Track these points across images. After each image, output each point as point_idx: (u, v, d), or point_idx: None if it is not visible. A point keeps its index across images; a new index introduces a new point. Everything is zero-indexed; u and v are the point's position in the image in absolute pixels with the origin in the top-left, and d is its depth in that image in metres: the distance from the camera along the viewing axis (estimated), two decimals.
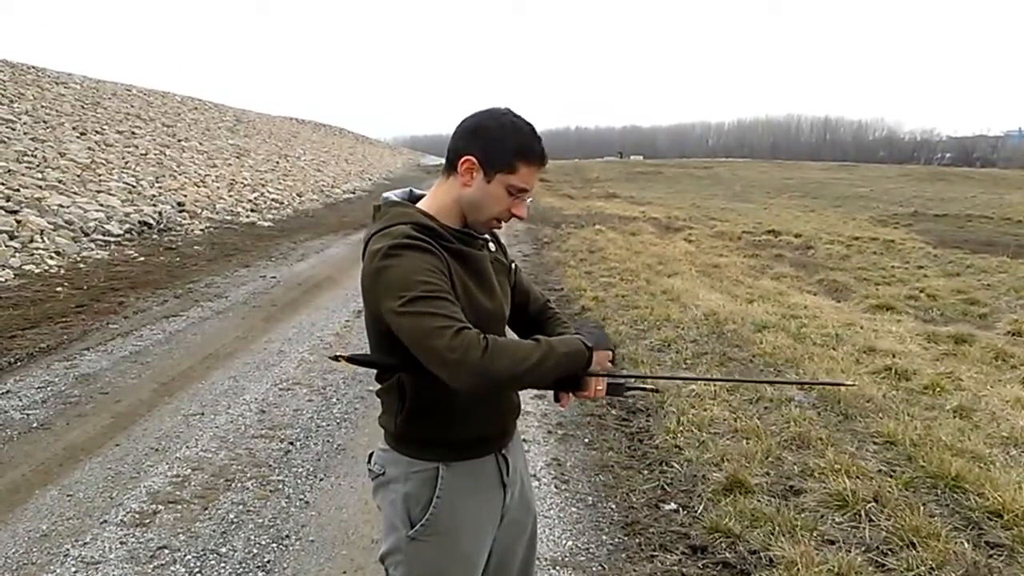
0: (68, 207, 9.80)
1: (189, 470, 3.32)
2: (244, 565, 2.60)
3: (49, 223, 8.88)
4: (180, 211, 12.12)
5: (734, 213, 20.55)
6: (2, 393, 4.21)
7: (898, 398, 4.29)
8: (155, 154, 16.09)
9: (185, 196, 13.17)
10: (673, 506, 3.04)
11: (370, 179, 28.55)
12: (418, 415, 1.38)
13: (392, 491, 1.40)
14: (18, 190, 9.65)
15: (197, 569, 2.56)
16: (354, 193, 21.86)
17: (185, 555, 2.64)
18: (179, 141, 19.08)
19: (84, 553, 2.64)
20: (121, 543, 2.71)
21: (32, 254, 7.82)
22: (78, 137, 14.68)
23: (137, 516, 2.90)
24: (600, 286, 7.88)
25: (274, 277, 8.17)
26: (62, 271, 7.58)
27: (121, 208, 10.82)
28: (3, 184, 9.64)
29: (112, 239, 9.43)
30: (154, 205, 11.69)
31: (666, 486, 3.22)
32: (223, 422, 3.90)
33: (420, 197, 1.46)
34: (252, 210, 14.33)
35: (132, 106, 21.33)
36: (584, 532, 2.87)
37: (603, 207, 19.79)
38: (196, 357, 5.06)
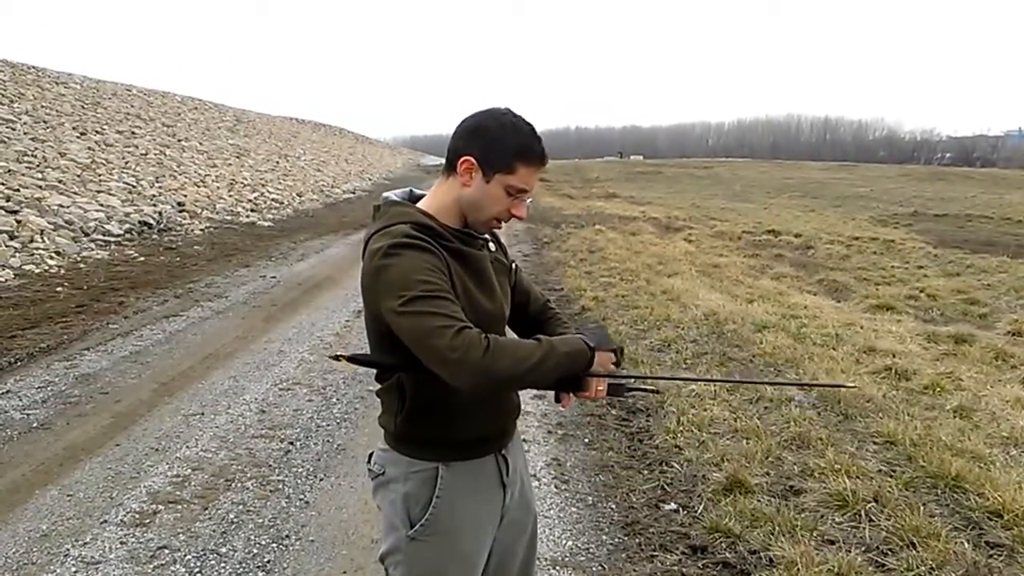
0: (68, 207, 9.81)
1: (189, 470, 3.32)
2: (244, 565, 2.60)
3: (49, 223, 8.88)
4: (180, 211, 12.12)
5: (734, 213, 20.55)
6: (2, 393, 4.21)
7: (898, 398, 4.29)
8: (155, 154, 16.09)
9: (185, 196, 13.17)
10: (673, 506, 3.04)
11: (370, 179, 28.55)
12: (418, 415, 1.38)
13: (392, 491, 1.40)
14: (18, 190, 9.65)
15: (197, 569, 2.56)
16: (354, 193, 21.86)
17: (185, 555, 2.64)
18: (179, 141, 19.08)
19: (84, 553, 2.64)
20: (121, 543, 2.71)
21: (32, 254, 7.82)
22: (78, 137, 14.68)
23: (137, 516, 2.90)
24: (600, 286, 7.89)
25: (274, 277, 8.17)
26: (62, 271, 7.58)
27: (121, 208, 10.82)
28: (3, 184, 9.64)
29: (112, 239, 9.43)
30: (154, 205, 11.69)
31: (666, 486, 3.22)
32: (223, 422, 3.90)
33: (420, 197, 1.46)
34: (252, 210, 14.33)
35: (132, 106, 21.33)
36: (584, 532, 2.87)
37: (603, 207, 19.79)
38: (196, 357, 5.06)
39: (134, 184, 12.62)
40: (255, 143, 25.54)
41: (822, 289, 9.24)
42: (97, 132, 15.96)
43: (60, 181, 10.99)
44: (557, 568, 2.63)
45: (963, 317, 7.73)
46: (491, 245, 1.49)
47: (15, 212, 8.75)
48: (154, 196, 12.37)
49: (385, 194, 1.45)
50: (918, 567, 2.51)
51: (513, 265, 1.57)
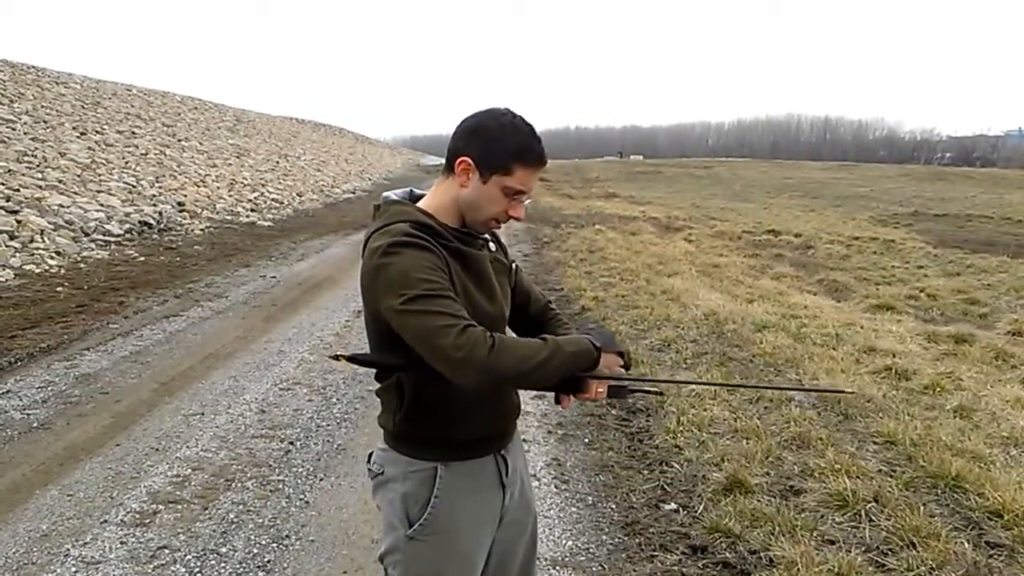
0: (68, 207, 9.80)
1: (189, 470, 3.32)
2: (244, 565, 2.60)
3: (49, 223, 8.88)
4: (180, 211, 12.12)
5: (734, 213, 20.55)
6: (2, 393, 4.21)
7: (898, 398, 4.28)
8: (155, 154, 16.09)
9: (185, 196, 13.17)
10: (673, 506, 3.04)
11: (370, 179, 28.55)
12: (417, 415, 1.37)
13: (391, 490, 1.40)
14: (18, 190, 9.65)
15: (197, 569, 2.56)
16: (354, 193, 21.86)
17: (185, 555, 2.64)
18: (179, 141, 19.08)
19: (84, 553, 2.64)
20: (121, 543, 2.71)
21: (32, 254, 7.82)
22: (78, 137, 14.68)
23: (137, 516, 2.90)
24: (600, 286, 7.89)
25: (274, 277, 8.17)
26: (62, 271, 7.58)
27: (121, 208, 10.82)
28: (3, 184, 9.64)
29: (112, 239, 9.43)
30: (154, 205, 11.69)
31: (666, 486, 3.22)
32: (223, 422, 3.90)
33: (420, 197, 1.46)
34: (252, 210, 14.33)
35: (132, 106, 21.33)
36: (584, 532, 2.87)
37: (603, 207, 19.80)
38: (196, 357, 5.06)
39: (134, 184, 12.62)
40: (255, 143, 25.54)
41: (822, 289, 9.24)
42: (97, 132, 15.96)
43: (60, 181, 10.99)
44: (557, 568, 2.63)
45: (963, 317, 7.73)
46: (491, 245, 1.49)
47: (15, 212, 8.75)
48: (154, 196, 12.37)
49: (385, 194, 1.45)
50: (918, 567, 2.51)
51: (513, 265, 1.57)
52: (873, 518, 2.84)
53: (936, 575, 2.48)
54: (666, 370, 4.91)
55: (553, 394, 1.37)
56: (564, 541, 2.80)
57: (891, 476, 3.23)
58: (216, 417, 3.97)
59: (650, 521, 2.92)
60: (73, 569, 2.55)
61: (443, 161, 1.43)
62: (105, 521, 2.86)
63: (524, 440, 3.56)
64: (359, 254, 1.38)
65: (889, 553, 2.62)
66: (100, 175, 12.44)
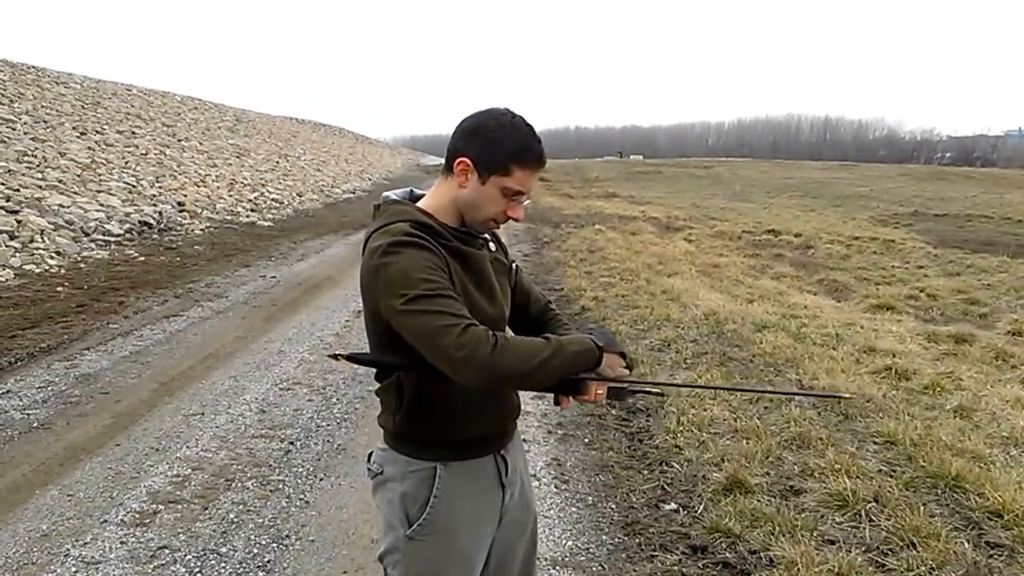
0: (68, 207, 9.81)
1: (189, 470, 3.32)
2: (244, 565, 2.60)
3: (49, 223, 8.88)
4: (180, 211, 12.12)
5: (734, 213, 20.54)
6: (2, 393, 4.21)
7: (898, 398, 4.29)
8: (155, 154, 16.09)
9: (185, 196, 13.17)
10: (673, 506, 3.04)
11: (370, 179, 28.55)
12: (416, 414, 1.37)
13: (390, 490, 1.40)
14: (18, 190, 9.65)
15: (197, 569, 2.56)
16: (354, 193, 21.86)
17: (185, 555, 2.64)
18: (179, 141, 19.08)
19: (84, 553, 2.64)
20: (121, 543, 2.71)
21: (32, 254, 7.82)
22: (78, 137, 14.68)
23: (137, 516, 2.90)
24: (600, 286, 7.89)
25: (274, 277, 8.17)
26: (62, 271, 7.58)
27: (121, 208, 10.82)
28: (3, 184, 9.64)
29: (112, 239, 9.43)
30: (154, 205, 11.69)
31: (666, 486, 3.22)
32: (223, 422, 3.90)
33: (420, 197, 1.46)
34: (252, 210, 14.33)
35: (132, 106, 21.33)
36: (584, 532, 2.87)
37: (603, 207, 19.79)
38: (196, 357, 5.06)
39: (134, 184, 12.62)
40: (255, 143, 25.53)
41: (822, 289, 9.24)
42: (97, 132, 15.96)
43: (60, 181, 10.99)
44: (557, 568, 2.63)
45: (963, 317, 7.72)
46: (491, 245, 1.48)
47: (15, 212, 8.75)
48: (154, 196, 12.37)
49: (385, 193, 1.45)
50: (918, 567, 2.51)
51: (513, 265, 1.57)
52: (873, 518, 2.84)
53: (936, 575, 2.48)
54: (666, 370, 4.91)
55: (552, 395, 1.37)
56: (564, 541, 2.80)
57: (891, 476, 3.23)
58: (216, 417, 3.97)
59: (650, 521, 2.92)
60: (73, 569, 2.55)
61: (443, 161, 1.43)
62: (105, 521, 2.86)
63: (524, 440, 3.56)
64: (359, 254, 1.38)
65: (889, 553, 2.62)
66: (100, 175, 12.44)
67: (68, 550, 2.66)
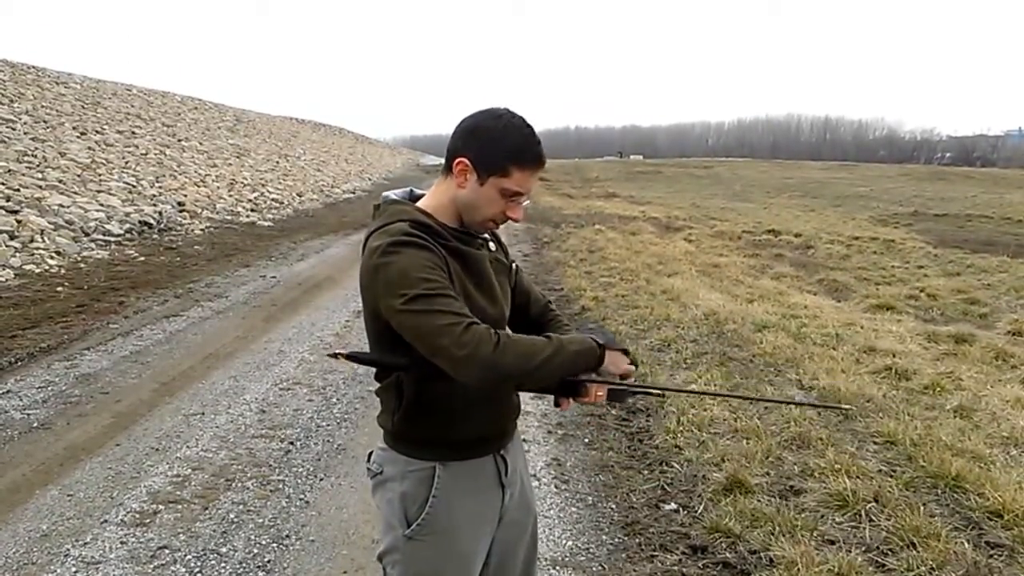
0: (68, 207, 9.80)
1: (189, 470, 3.32)
2: (244, 565, 2.60)
3: (49, 223, 8.88)
4: (180, 211, 12.12)
5: (734, 213, 20.54)
6: (3, 393, 4.21)
7: (898, 398, 4.29)
8: (155, 154, 16.09)
9: (185, 196, 13.17)
10: (673, 506, 3.04)
11: (370, 179, 28.55)
12: (416, 414, 1.37)
13: (389, 490, 1.40)
14: (18, 190, 9.65)
15: (197, 569, 2.56)
16: (354, 193, 21.86)
17: (185, 555, 2.64)
18: (179, 141, 19.08)
19: (84, 553, 2.64)
20: (121, 543, 2.71)
21: (32, 254, 7.82)
22: (78, 137, 14.68)
23: (137, 516, 2.90)
24: (600, 286, 7.89)
25: (274, 277, 8.17)
26: (62, 271, 7.58)
27: (121, 208, 10.82)
28: (3, 184, 9.64)
29: (112, 239, 9.43)
30: (154, 205, 11.69)
31: (666, 486, 3.22)
32: (223, 422, 3.90)
33: (420, 197, 1.46)
34: (252, 210, 14.33)
35: (132, 106, 21.33)
36: (584, 532, 2.87)
37: (603, 207, 19.79)
38: (196, 357, 5.06)
39: (134, 184, 12.62)
40: (255, 143, 25.54)
41: (822, 289, 9.24)
42: (97, 132, 15.96)
43: (60, 181, 10.99)
44: (557, 568, 2.63)
45: (963, 317, 7.72)
46: (491, 244, 1.48)
47: (15, 212, 8.75)
48: (154, 196, 12.37)
49: (385, 193, 1.45)
50: (918, 567, 2.51)
51: (513, 265, 1.57)
52: (873, 518, 2.84)
53: (936, 575, 2.48)
54: (666, 370, 4.91)
55: (552, 396, 1.37)
56: (564, 541, 2.80)
57: (891, 476, 3.23)
58: (216, 417, 3.97)
59: (650, 521, 2.92)
60: (73, 569, 2.55)
61: (443, 161, 1.43)
62: (105, 521, 2.86)
63: (524, 440, 3.56)
64: (359, 254, 1.38)
65: (889, 553, 2.62)
66: (100, 175, 12.44)
67: (68, 550, 2.66)
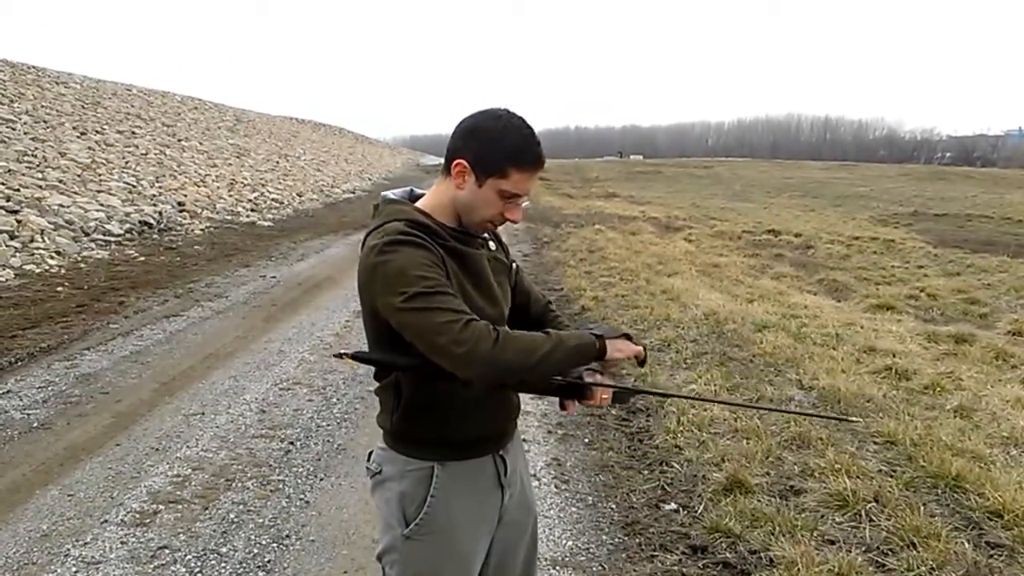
0: (68, 207, 9.81)
1: (189, 470, 3.32)
2: (244, 565, 2.60)
3: (49, 223, 8.88)
4: (180, 211, 12.12)
5: (734, 213, 20.54)
6: (3, 393, 4.21)
7: (898, 398, 4.29)
8: (155, 154, 16.09)
9: (185, 196, 13.17)
10: (673, 506, 3.04)
11: (370, 179, 28.56)
12: (414, 414, 1.37)
13: (388, 490, 1.40)
14: (18, 190, 9.65)
15: (197, 569, 2.57)
16: (354, 193, 21.86)
17: (185, 555, 2.64)
18: (179, 141, 19.08)
19: (85, 553, 2.64)
20: (122, 543, 2.71)
21: (32, 254, 7.82)
22: (78, 137, 14.68)
23: (138, 516, 2.90)
24: (600, 286, 7.89)
25: (274, 277, 8.17)
26: (62, 271, 7.58)
27: (121, 208, 10.82)
28: (3, 184, 9.64)
29: (112, 239, 9.43)
30: (154, 205, 11.69)
31: (666, 486, 3.22)
32: (223, 422, 3.90)
33: (420, 196, 1.46)
34: (252, 210, 14.33)
35: (132, 106, 21.33)
36: (584, 532, 2.87)
37: (603, 207, 19.79)
38: (196, 357, 5.06)
39: (134, 184, 12.62)
40: (255, 143, 25.54)
41: (822, 289, 9.24)
42: (97, 132, 15.96)
43: (60, 181, 10.99)
44: (557, 568, 2.63)
45: (963, 317, 7.72)
46: (491, 244, 1.48)
47: (15, 212, 8.75)
48: (154, 196, 12.37)
49: (384, 193, 1.45)
50: (918, 567, 2.51)
51: (513, 265, 1.57)
52: (873, 518, 2.84)
53: (936, 575, 2.48)
54: (666, 370, 4.91)
55: (558, 400, 1.37)
56: (564, 541, 2.81)
57: (891, 476, 3.23)
58: (216, 417, 3.97)
59: (650, 521, 2.92)
60: (73, 569, 2.55)
61: (442, 161, 1.43)
62: (105, 521, 2.86)
63: (524, 440, 3.56)
64: (359, 254, 1.38)
65: (889, 553, 2.62)
66: (100, 175, 12.44)
67: (68, 550, 2.66)
